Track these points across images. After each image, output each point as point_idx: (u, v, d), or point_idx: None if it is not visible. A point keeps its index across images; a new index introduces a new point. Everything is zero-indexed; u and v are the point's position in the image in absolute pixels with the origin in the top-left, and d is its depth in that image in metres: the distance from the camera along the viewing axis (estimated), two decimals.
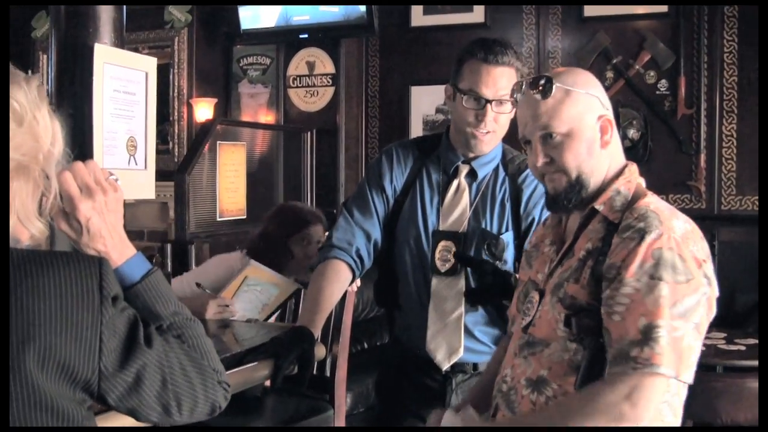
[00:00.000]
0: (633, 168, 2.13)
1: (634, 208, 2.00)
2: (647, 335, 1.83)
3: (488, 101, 2.70)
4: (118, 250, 1.66)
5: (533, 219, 2.79)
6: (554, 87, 2.05)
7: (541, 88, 2.06)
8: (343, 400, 3.41)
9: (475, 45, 2.75)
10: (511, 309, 2.33)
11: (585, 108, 2.06)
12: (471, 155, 2.83)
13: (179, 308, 1.69)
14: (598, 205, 2.06)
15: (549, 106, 2.06)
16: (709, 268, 1.95)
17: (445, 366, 2.80)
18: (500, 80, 2.70)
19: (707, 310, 1.93)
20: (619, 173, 2.11)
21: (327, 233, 3.64)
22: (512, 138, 2.84)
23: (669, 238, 1.90)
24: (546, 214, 2.77)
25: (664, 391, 1.89)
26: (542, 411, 1.99)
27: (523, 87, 2.12)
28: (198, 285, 3.49)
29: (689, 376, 1.88)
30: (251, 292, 3.40)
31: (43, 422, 1.40)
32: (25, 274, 1.40)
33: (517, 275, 2.45)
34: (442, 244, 2.80)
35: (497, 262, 2.77)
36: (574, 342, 1.99)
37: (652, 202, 2.02)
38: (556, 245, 2.18)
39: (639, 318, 1.85)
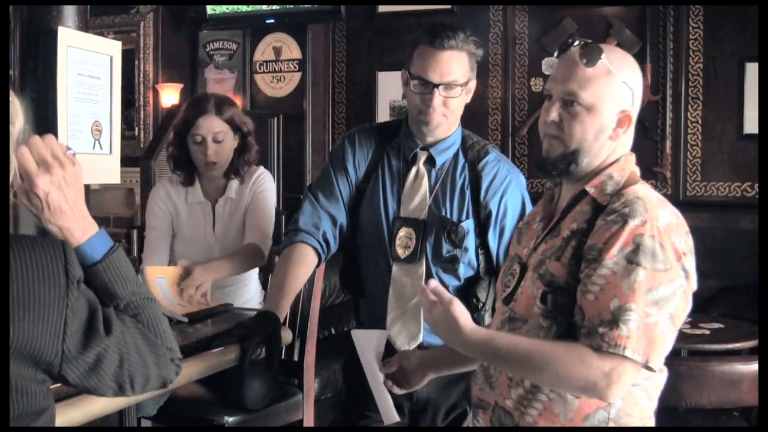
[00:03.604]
0: (630, 157, 2.15)
1: (622, 193, 2.01)
2: (617, 317, 1.85)
3: (435, 85, 2.71)
4: (81, 227, 1.64)
5: (490, 211, 2.80)
6: (601, 61, 2.02)
7: (589, 55, 2.03)
8: (311, 384, 3.41)
9: (425, 30, 2.75)
10: (497, 283, 2.33)
11: (615, 94, 2.05)
12: (430, 140, 2.84)
13: (137, 287, 1.70)
14: (589, 188, 2.07)
15: (587, 75, 2.04)
16: (689, 261, 1.96)
17: None
18: (447, 64, 2.71)
19: (683, 303, 1.94)
20: (616, 160, 2.11)
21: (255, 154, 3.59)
22: (474, 123, 2.83)
23: (652, 226, 1.91)
24: (504, 207, 2.79)
25: (635, 376, 1.91)
26: (522, 344, 1.98)
27: (573, 45, 2.09)
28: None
29: (658, 363, 1.90)
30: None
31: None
32: None
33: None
34: (402, 231, 2.81)
35: (457, 249, 2.78)
36: (548, 319, 2.01)
37: (641, 189, 2.03)
38: (544, 221, 2.20)
39: (612, 299, 1.87)
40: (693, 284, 1.97)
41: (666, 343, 1.91)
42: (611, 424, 1.99)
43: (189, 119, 3.52)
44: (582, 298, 1.93)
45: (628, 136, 2.13)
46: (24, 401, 1.44)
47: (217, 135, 3.50)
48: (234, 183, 3.63)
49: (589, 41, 2.07)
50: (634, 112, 2.10)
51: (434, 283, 2.10)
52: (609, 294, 1.88)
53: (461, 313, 2.03)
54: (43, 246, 1.47)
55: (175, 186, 3.67)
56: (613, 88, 2.04)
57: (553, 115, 2.08)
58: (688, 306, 1.97)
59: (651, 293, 1.87)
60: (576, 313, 1.94)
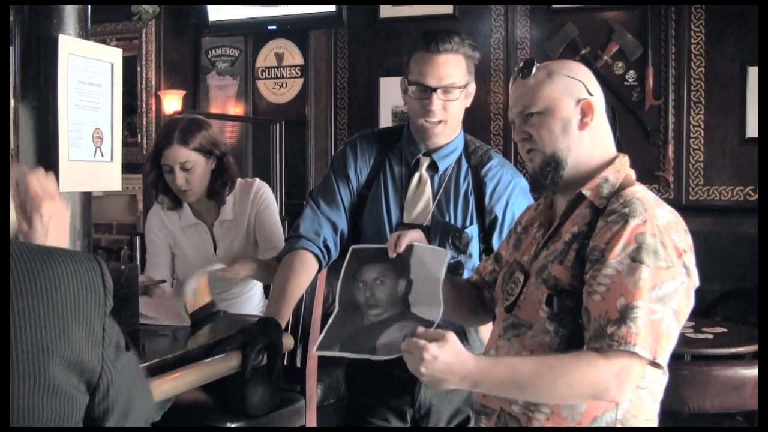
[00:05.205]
0: (624, 159, 2.17)
1: (620, 194, 2.04)
2: (625, 315, 1.88)
3: (433, 90, 2.71)
4: None
5: (496, 216, 2.80)
6: (535, 68, 2.12)
7: (524, 69, 2.14)
8: (314, 390, 3.40)
9: (420, 37, 2.76)
10: (496, 290, 2.33)
11: (564, 89, 2.11)
12: (431, 147, 2.84)
13: None
14: (586, 191, 2.10)
15: (530, 86, 2.13)
16: (690, 258, 1.99)
17: None
18: (444, 68, 2.71)
19: (686, 299, 1.97)
20: (610, 162, 2.14)
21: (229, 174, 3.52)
22: (476, 128, 2.83)
23: (652, 225, 1.95)
24: (511, 212, 2.79)
25: (641, 373, 1.93)
26: (528, 361, 1.99)
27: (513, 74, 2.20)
28: (156, 282, 3.40)
29: (664, 359, 1.93)
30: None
31: (49, 405, 1.43)
32: (43, 263, 1.44)
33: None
34: None
35: (461, 255, 2.78)
36: (554, 322, 2.02)
37: (638, 190, 2.06)
38: (543, 228, 2.22)
39: (618, 298, 1.89)
40: (695, 281, 2.00)
41: (671, 339, 1.94)
42: (618, 425, 2.01)
43: (157, 149, 3.50)
44: (588, 299, 1.95)
45: (601, 126, 2.16)
46: (71, 408, 1.46)
47: (185, 164, 3.44)
48: (228, 203, 3.59)
49: (522, 61, 2.18)
50: (596, 100, 2.15)
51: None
52: (615, 293, 1.90)
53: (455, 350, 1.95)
54: (82, 257, 1.52)
55: (166, 211, 3.66)
56: (559, 85, 2.12)
57: (519, 134, 2.16)
58: (691, 302, 2.00)
59: (655, 290, 1.90)
60: (582, 314, 1.96)
